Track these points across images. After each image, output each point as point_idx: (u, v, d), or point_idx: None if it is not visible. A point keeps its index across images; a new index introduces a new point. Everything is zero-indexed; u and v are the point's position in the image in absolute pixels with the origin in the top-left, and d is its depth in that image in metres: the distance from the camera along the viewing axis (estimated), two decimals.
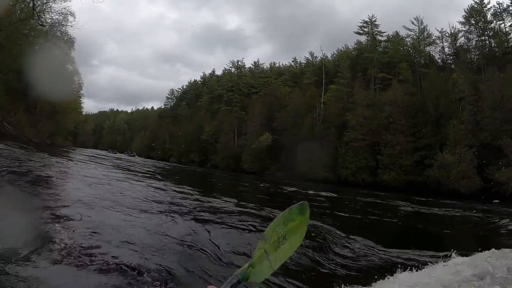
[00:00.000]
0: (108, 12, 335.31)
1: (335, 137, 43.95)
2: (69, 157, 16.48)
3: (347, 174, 40.76)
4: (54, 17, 37.42)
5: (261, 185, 19.22)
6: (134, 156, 71.03)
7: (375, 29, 51.39)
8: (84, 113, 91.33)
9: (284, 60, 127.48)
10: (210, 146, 67.65)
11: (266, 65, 77.62)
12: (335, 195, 17.40)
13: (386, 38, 51.54)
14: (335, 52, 60.31)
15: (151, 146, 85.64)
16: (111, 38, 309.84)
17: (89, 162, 16.70)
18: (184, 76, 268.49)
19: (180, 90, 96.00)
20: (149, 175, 13.20)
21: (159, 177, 13.99)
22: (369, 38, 51.74)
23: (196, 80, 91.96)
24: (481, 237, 8.37)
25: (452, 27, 44.74)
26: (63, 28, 42.02)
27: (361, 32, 51.99)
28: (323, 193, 17.11)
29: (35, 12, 26.01)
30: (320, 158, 43.86)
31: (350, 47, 56.10)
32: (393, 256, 5.34)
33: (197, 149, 70.76)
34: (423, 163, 35.59)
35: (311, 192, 17.28)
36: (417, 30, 46.26)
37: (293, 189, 18.52)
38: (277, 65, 76.03)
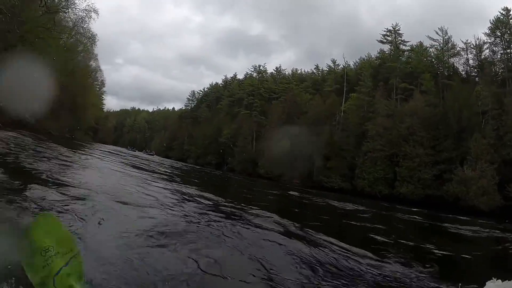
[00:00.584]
0: (134, 12, 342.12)
1: (353, 147, 43.76)
2: (81, 150, 16.69)
3: (364, 185, 40.33)
4: (77, 14, 39.00)
5: (275, 192, 18.86)
6: (153, 155, 71.85)
7: (399, 38, 51.15)
8: (105, 110, 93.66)
9: (306, 67, 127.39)
10: (228, 149, 68.04)
11: (288, 71, 77.77)
12: (353, 206, 16.97)
13: (409, 48, 51.11)
14: (358, 60, 60.07)
15: (169, 146, 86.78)
16: (136, 38, 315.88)
17: (100, 156, 16.91)
18: (207, 79, 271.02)
19: (201, 92, 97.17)
20: (163, 175, 13.24)
21: (173, 177, 13.98)
22: (392, 47, 51.41)
23: (217, 83, 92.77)
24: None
25: (477, 39, 43.80)
26: (85, 25, 43.89)
27: (384, 40, 51.79)
28: (337, 203, 16.88)
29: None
30: (337, 167, 43.86)
31: (372, 55, 55.88)
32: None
33: (215, 152, 71.23)
34: (442, 177, 34.95)
35: (333, 203, 16.84)
36: (441, 41, 45.65)
37: (315, 199, 18.06)
38: (299, 71, 76.08)
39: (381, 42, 52.11)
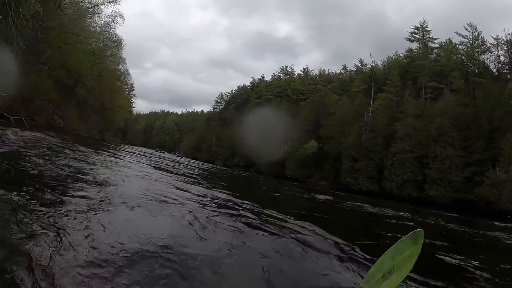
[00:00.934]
0: (162, 18, 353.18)
1: (381, 148, 43.09)
2: (105, 151, 17.03)
3: (392, 187, 39.50)
4: (103, 19, 40.49)
5: (302, 195, 18.44)
6: (181, 156, 72.87)
7: (427, 35, 49.95)
8: (135, 112, 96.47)
9: (334, 68, 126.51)
10: (256, 151, 68.32)
11: (315, 72, 77.52)
12: (384, 210, 16.42)
13: (438, 45, 49.67)
14: (385, 59, 59.22)
15: (198, 147, 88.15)
16: (164, 42, 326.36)
17: (125, 157, 17.19)
18: (235, 81, 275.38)
19: (229, 94, 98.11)
20: (188, 177, 13.27)
21: (199, 179, 13.94)
22: (420, 45, 50.35)
23: (245, 85, 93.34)
24: None
25: (508, 34, 41.59)
26: (112, 29, 45.55)
27: (412, 38, 50.81)
28: (368, 207, 16.47)
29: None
30: (365, 169, 43.36)
31: (400, 54, 54.81)
32: None
33: (242, 153, 71.71)
34: (474, 179, 33.80)
35: (363, 207, 16.31)
36: (471, 37, 43.93)
37: (343, 202, 17.51)
38: (326, 72, 75.63)
39: (409, 40, 51.23)
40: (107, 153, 15.72)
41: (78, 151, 12.26)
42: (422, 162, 38.65)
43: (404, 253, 2.23)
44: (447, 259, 6.08)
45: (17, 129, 14.65)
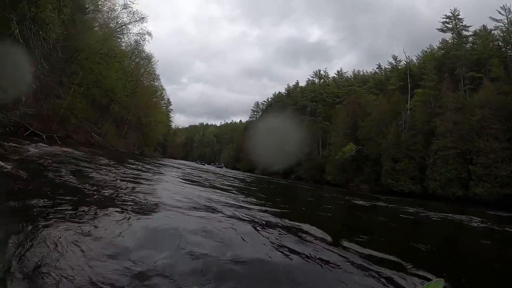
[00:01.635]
0: (193, 33, 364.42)
1: (422, 146, 41.44)
2: (130, 163, 17.39)
3: (436, 187, 37.77)
4: (132, 38, 42.15)
5: (341, 201, 17.64)
6: (221, 167, 73.71)
7: (460, 24, 47.34)
8: (174, 126, 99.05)
9: (368, 68, 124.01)
10: (294, 158, 68.08)
11: (350, 74, 76.40)
12: (424, 212, 15.41)
13: (472, 33, 46.77)
14: (420, 54, 57.09)
15: (237, 157, 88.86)
16: (198, 57, 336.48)
17: (162, 170, 17.29)
18: (270, 90, 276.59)
19: (265, 102, 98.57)
20: (223, 188, 13.13)
21: (236, 189, 13.82)
22: (454, 34, 47.83)
23: (280, 92, 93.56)
24: None
25: None
26: (141, 47, 47.34)
27: (445, 28, 48.35)
28: (409, 209, 15.79)
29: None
30: (406, 169, 41.91)
31: (435, 47, 52.47)
32: None
33: (282, 161, 71.62)
34: None
35: (407, 212, 15.18)
36: (506, 21, 40.74)
37: (385, 207, 16.45)
38: (361, 73, 74.30)
39: (442, 30, 48.83)
40: (129, 165, 16.00)
41: (95, 163, 12.58)
42: (465, 158, 36.63)
43: None
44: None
45: (44, 144, 15.32)
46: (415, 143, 42.10)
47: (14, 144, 11.92)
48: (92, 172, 8.93)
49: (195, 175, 19.35)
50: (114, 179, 8.53)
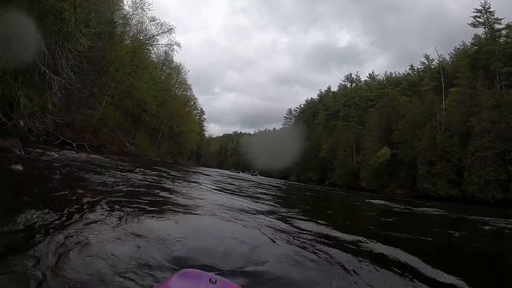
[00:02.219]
0: (224, 44, 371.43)
1: (458, 147, 39.67)
2: (154, 169, 17.47)
3: (474, 190, 35.95)
4: (161, 49, 43.30)
5: (376, 208, 16.34)
6: (256, 175, 73.53)
7: (491, 17, 44.94)
8: (207, 135, 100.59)
9: (401, 70, 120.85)
10: (328, 164, 67.38)
11: (382, 76, 74.67)
12: (459, 216, 14.33)
13: (505, 26, 44.09)
14: (452, 51, 54.89)
15: (270, 165, 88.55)
16: (230, 67, 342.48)
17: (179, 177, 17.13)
18: (303, 96, 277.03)
19: (297, 109, 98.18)
20: (256, 196, 12.88)
21: (268, 197, 13.56)
22: (486, 29, 45.46)
23: (312, 98, 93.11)
24: None
25: None
26: (170, 57, 48.61)
27: (476, 23, 46.04)
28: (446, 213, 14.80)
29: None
30: (443, 172, 40.25)
31: (467, 43, 50.05)
32: None
33: (315, 167, 71.05)
34: None
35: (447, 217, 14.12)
36: None
37: (424, 212, 15.14)
38: (393, 75, 72.31)
39: (473, 25, 46.50)
40: (151, 171, 16.02)
41: (112, 168, 12.79)
42: (505, 159, 34.60)
43: None
44: None
45: (71, 152, 15.89)
46: (451, 145, 40.38)
47: (40, 150, 12.35)
48: (96, 175, 9.01)
49: (229, 183, 19.15)
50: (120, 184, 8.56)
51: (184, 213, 5.36)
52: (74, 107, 25.41)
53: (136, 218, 4.29)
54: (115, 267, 2.73)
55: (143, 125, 47.89)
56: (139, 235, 3.59)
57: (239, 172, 77.54)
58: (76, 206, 4.48)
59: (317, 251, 4.08)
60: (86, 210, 4.38)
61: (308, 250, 4.06)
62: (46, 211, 3.85)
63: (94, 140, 31.61)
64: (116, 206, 4.82)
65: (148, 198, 6.19)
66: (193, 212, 5.61)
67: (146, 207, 5.18)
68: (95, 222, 3.85)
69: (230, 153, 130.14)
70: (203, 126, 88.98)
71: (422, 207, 17.68)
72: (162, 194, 7.41)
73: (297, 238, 4.73)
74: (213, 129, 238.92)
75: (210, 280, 1.80)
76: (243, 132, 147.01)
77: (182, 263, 3.02)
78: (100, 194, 5.71)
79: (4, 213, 3.56)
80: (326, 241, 4.77)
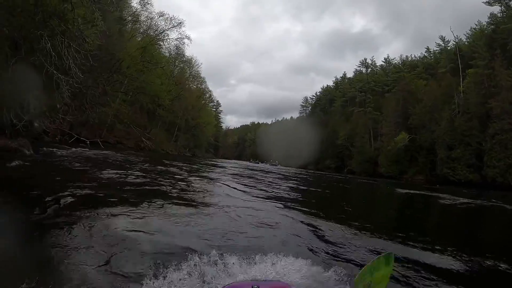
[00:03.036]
0: (237, 36, 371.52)
1: (478, 130, 38.44)
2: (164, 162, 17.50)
3: (495, 175, 34.87)
4: (172, 43, 43.29)
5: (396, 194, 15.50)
6: (276, 165, 73.40)
7: None
8: (225, 127, 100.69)
9: (417, 53, 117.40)
10: (346, 151, 66.60)
11: (397, 60, 72.60)
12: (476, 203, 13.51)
13: None
14: (468, 32, 52.03)
15: (289, 154, 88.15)
16: (244, 58, 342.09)
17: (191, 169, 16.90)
18: (318, 84, 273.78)
19: (313, 97, 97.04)
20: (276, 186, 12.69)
21: (285, 186, 13.44)
22: (502, 7, 43.01)
23: (328, 86, 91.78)
24: None
25: None
26: (181, 51, 48.60)
27: (492, 1, 43.30)
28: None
29: None
30: (462, 156, 39.15)
31: (483, 22, 47.58)
32: None
33: (333, 155, 70.33)
34: None
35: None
36: None
37: (443, 200, 14.28)
38: (409, 58, 70.08)
39: (488, 3, 43.78)
40: (158, 164, 15.93)
41: (119, 162, 12.90)
42: None
43: (379, 271, 2.38)
44: None
45: (80, 149, 16.83)
46: (470, 128, 39.15)
47: (51, 149, 13.37)
48: (100, 171, 9.07)
49: (251, 174, 18.96)
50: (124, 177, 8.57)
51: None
52: (88, 106, 25.81)
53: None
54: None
55: (158, 120, 48.27)
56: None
57: (258, 163, 77.53)
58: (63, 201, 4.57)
59: None
60: (70, 205, 4.45)
61: None
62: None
63: (110, 137, 32.24)
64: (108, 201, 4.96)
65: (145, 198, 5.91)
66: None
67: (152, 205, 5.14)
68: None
69: (248, 144, 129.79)
70: (219, 118, 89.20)
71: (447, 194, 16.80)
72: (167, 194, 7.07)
73: None
74: (230, 121, 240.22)
75: (252, 287, 1.96)
76: (260, 123, 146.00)
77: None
78: (90, 188, 5.84)
79: None
80: None
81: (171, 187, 7.51)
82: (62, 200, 4.65)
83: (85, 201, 4.79)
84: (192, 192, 7.07)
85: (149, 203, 5.21)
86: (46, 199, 4.57)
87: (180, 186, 7.95)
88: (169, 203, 5.44)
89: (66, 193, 5.11)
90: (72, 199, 4.81)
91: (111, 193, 5.73)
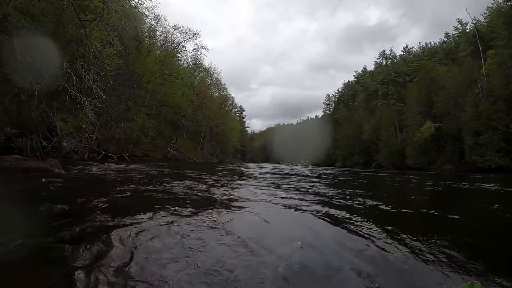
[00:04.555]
0: (254, 40, 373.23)
1: (504, 113, 36.90)
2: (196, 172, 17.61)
3: None
4: (189, 54, 44.00)
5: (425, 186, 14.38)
6: (308, 165, 73.12)
7: None
8: (250, 132, 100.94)
9: (436, 39, 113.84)
10: (372, 146, 65.39)
11: (417, 49, 70.75)
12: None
13: None
14: (485, 12, 49.89)
15: (317, 153, 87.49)
16: (263, 61, 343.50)
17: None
18: (339, 81, 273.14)
19: (336, 93, 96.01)
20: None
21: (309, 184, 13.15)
22: None
23: (350, 81, 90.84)
24: None
25: None
26: (198, 61, 49.31)
27: None
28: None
29: None
30: (490, 142, 37.67)
31: (500, 0, 44.74)
32: None
33: (360, 150, 69.21)
34: None
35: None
36: None
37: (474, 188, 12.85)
38: (428, 45, 68.05)
39: None
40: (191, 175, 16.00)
41: (146, 175, 13.18)
42: None
43: None
44: None
45: (108, 164, 17.25)
46: (496, 111, 37.61)
47: (80, 167, 13.55)
48: (134, 183, 9.37)
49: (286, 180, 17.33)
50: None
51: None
52: (113, 123, 26.69)
53: None
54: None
55: (183, 130, 49.09)
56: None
57: (288, 164, 77.36)
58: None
59: None
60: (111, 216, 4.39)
61: None
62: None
63: (137, 151, 33.14)
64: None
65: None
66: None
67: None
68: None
69: (275, 146, 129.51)
70: (244, 123, 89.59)
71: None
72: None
73: None
74: (255, 125, 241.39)
75: None
76: (285, 124, 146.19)
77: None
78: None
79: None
80: None
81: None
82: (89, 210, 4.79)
83: (110, 211, 4.76)
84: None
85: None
86: (74, 212, 4.64)
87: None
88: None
89: (93, 204, 5.28)
90: (99, 210, 4.86)
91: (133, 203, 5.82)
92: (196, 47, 42.93)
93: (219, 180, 12.86)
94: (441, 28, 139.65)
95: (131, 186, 8.17)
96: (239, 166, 35.69)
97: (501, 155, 36.67)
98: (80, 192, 6.87)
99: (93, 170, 12.87)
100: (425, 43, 69.45)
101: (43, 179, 7.80)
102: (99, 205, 5.02)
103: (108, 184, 8.67)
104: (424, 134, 46.39)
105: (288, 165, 75.71)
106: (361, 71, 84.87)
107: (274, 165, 65.32)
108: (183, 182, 10.22)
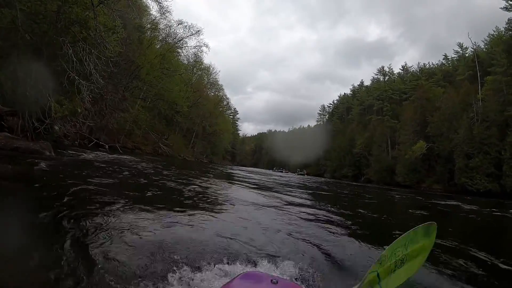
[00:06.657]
0: (254, 44, 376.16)
1: (497, 139, 37.36)
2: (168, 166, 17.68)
3: None
4: (190, 51, 43.83)
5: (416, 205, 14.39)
6: (304, 174, 73.08)
7: None
8: (242, 135, 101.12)
9: (434, 60, 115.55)
10: (363, 160, 65.82)
11: (415, 68, 71.40)
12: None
13: None
14: (486, 38, 50.72)
15: (306, 162, 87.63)
16: (261, 66, 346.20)
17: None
18: (334, 93, 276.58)
19: (331, 105, 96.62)
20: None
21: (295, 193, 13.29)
22: None
23: (345, 94, 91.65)
24: None
25: None
26: (199, 59, 49.16)
27: (509, 6, 41.05)
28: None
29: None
30: (481, 166, 38.06)
31: (501, 28, 45.63)
32: None
33: (350, 163, 69.61)
34: None
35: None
36: None
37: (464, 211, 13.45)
38: (427, 66, 68.77)
39: (506, 9, 41.35)
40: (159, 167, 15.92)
41: (128, 166, 13.08)
42: None
43: (416, 244, 2.07)
44: None
45: (99, 153, 17.28)
46: (489, 136, 38.00)
47: (71, 152, 13.92)
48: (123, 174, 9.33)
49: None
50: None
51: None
52: (107, 111, 26.40)
53: None
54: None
55: (176, 127, 48.83)
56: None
57: (282, 171, 77.34)
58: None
59: None
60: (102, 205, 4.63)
61: None
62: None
63: (129, 142, 32.79)
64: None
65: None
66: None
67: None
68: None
69: (265, 152, 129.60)
70: (237, 126, 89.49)
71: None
72: None
73: None
74: (247, 128, 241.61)
75: (271, 281, 1.84)
76: (277, 130, 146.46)
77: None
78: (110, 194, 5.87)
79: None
80: None
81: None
82: (81, 197, 5.04)
83: (101, 199, 5.04)
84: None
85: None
86: (65, 197, 4.77)
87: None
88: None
89: (81, 189, 5.52)
90: (89, 197, 5.13)
91: (125, 194, 5.96)
92: (198, 44, 42.78)
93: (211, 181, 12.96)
94: (438, 51, 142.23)
95: (136, 178, 8.14)
96: (229, 169, 35.53)
97: (490, 179, 37.04)
98: (69, 177, 6.94)
99: (87, 158, 12.93)
100: (424, 64, 70.15)
101: (42, 164, 7.68)
102: (99, 191, 5.08)
103: (111, 173, 8.54)
104: (415, 153, 46.73)
105: (282, 171, 75.84)
106: (358, 85, 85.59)
107: (265, 171, 63.63)
108: (183, 182, 10.29)
